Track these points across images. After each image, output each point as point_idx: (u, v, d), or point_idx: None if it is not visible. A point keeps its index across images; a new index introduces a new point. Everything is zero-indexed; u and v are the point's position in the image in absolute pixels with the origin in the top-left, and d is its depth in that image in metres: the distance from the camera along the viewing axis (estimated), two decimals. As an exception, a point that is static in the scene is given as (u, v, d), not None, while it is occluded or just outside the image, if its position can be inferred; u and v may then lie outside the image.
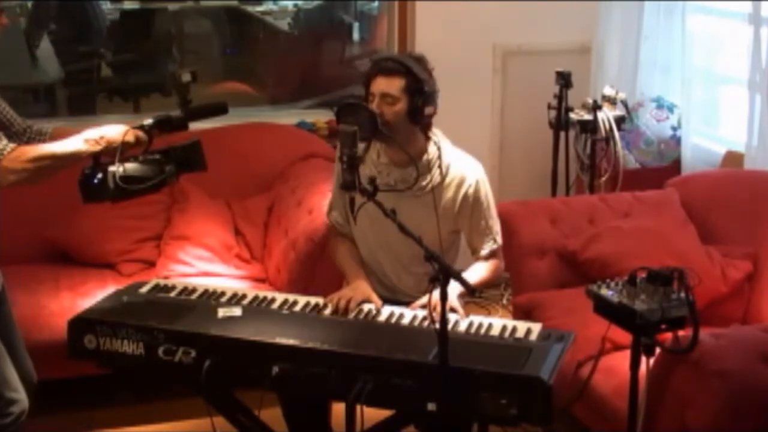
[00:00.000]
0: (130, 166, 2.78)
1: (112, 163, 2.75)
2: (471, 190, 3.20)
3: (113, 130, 2.80)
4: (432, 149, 3.19)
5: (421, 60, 3.17)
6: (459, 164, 3.22)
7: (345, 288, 3.16)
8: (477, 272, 3.22)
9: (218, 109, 3.00)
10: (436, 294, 2.56)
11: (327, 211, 3.41)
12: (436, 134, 3.22)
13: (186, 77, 2.90)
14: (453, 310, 2.96)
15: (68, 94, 5.70)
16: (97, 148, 2.77)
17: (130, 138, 2.80)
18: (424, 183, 3.17)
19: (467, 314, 3.00)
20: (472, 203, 3.21)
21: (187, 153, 2.90)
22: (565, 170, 4.77)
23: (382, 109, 3.06)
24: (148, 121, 2.88)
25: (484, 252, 3.26)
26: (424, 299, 3.05)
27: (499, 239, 3.29)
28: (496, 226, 3.29)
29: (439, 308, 2.51)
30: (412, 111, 3.09)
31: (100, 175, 2.75)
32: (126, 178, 2.75)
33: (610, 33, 4.98)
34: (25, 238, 4.12)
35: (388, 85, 3.07)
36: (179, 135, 2.96)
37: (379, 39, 5.47)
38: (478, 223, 3.24)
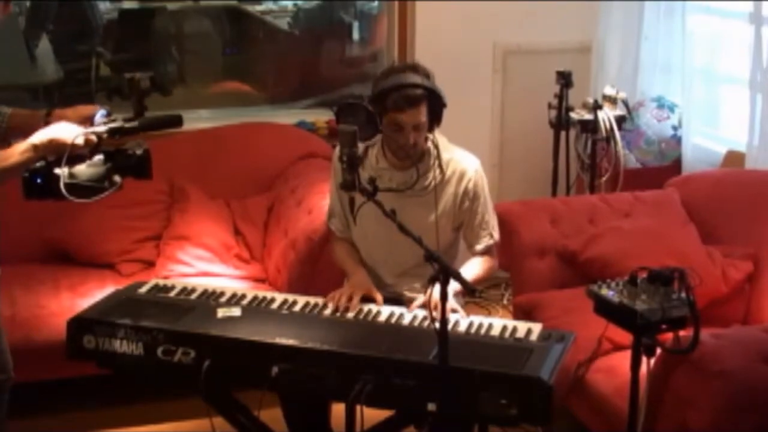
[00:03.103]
0: (76, 172, 2.66)
1: (58, 162, 2.65)
2: (471, 184, 3.21)
3: (64, 132, 2.70)
4: (431, 148, 3.19)
5: (419, 69, 3.13)
6: (458, 159, 3.23)
7: (345, 285, 3.16)
8: (471, 269, 3.21)
9: (173, 121, 2.91)
10: (434, 293, 2.55)
11: (327, 218, 3.41)
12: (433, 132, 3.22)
13: (145, 83, 2.82)
14: (453, 311, 2.96)
15: (67, 94, 5.68)
16: (46, 153, 2.68)
17: (80, 142, 2.70)
18: (426, 183, 3.17)
19: (467, 314, 3.00)
20: (472, 197, 3.21)
21: (136, 161, 2.77)
22: (566, 170, 4.77)
23: (415, 139, 3.06)
24: (102, 128, 2.76)
25: (480, 247, 3.26)
26: (421, 299, 3.05)
27: (496, 235, 3.29)
28: (493, 221, 3.29)
29: (439, 307, 2.51)
30: (432, 124, 3.12)
31: (44, 175, 2.64)
32: (70, 186, 2.64)
33: (610, 32, 4.97)
34: (25, 238, 4.11)
35: (419, 114, 3.05)
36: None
37: (379, 39, 5.45)
38: (475, 216, 3.24)
